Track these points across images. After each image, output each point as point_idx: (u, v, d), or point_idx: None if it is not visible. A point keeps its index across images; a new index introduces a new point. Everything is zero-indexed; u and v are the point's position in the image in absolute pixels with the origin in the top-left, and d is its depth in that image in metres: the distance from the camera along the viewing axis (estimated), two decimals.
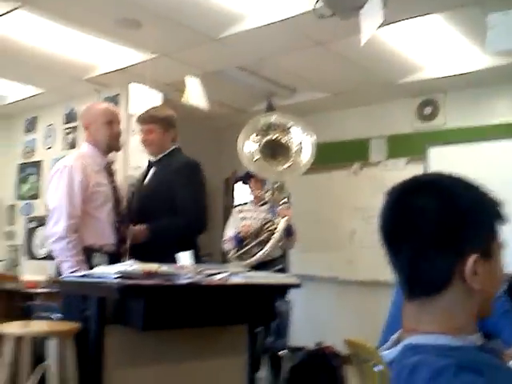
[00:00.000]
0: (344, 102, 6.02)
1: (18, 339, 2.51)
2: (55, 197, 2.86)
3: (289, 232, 4.30)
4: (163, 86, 5.50)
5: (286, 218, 4.02)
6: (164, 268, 2.21)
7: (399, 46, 4.62)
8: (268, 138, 3.91)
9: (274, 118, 4.02)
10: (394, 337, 1.07)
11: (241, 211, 4.67)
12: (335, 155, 6.17)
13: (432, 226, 0.96)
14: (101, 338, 2.11)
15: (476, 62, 4.81)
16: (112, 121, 3.01)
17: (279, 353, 4.15)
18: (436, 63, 5.01)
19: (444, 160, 5.40)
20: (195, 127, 3.42)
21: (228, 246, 4.38)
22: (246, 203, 4.78)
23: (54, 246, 2.80)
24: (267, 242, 3.92)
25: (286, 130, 3.96)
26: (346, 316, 5.84)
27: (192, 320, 2.18)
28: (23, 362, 2.57)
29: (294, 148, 3.93)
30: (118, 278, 2.06)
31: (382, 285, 4.79)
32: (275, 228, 3.96)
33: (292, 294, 4.21)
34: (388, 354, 1.04)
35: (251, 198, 4.72)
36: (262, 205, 4.59)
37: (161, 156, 3.31)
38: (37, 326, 2.88)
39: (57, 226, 2.78)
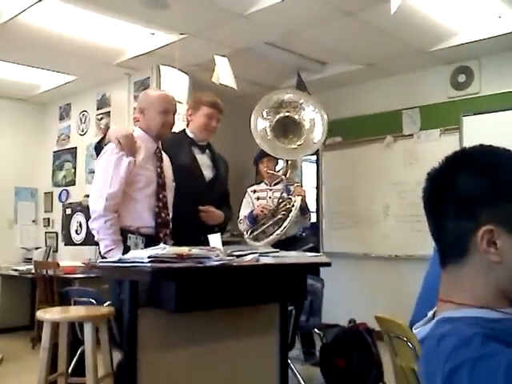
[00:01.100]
0: (375, 73, 5.91)
1: (56, 325, 2.58)
2: (100, 176, 2.91)
3: (304, 210, 4.32)
4: (192, 67, 5.50)
5: (300, 196, 4.03)
6: (195, 250, 2.21)
7: (430, 12, 4.48)
8: (280, 115, 3.90)
9: (285, 95, 3.99)
10: (430, 314, 1.06)
11: (255, 191, 4.66)
12: (367, 129, 6.08)
13: (455, 193, 0.98)
14: (134, 321, 2.13)
15: (510, 24, 4.63)
16: (168, 110, 3.02)
17: (312, 331, 4.15)
18: (469, 28, 4.86)
19: (479, 129, 5.26)
20: (225, 107, 3.40)
21: (243, 226, 4.39)
22: (259, 183, 4.76)
23: (93, 223, 2.85)
24: (284, 220, 3.91)
25: (297, 107, 3.94)
26: (380, 292, 5.79)
27: (223, 301, 2.18)
28: (61, 346, 2.65)
29: (306, 125, 3.90)
30: (150, 261, 2.07)
31: (417, 259, 4.73)
32: (292, 206, 3.96)
33: (325, 272, 4.20)
34: (421, 330, 1.03)
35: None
36: (276, 184, 4.58)
37: (206, 142, 3.43)
38: (73, 312, 2.94)
39: (97, 204, 2.83)
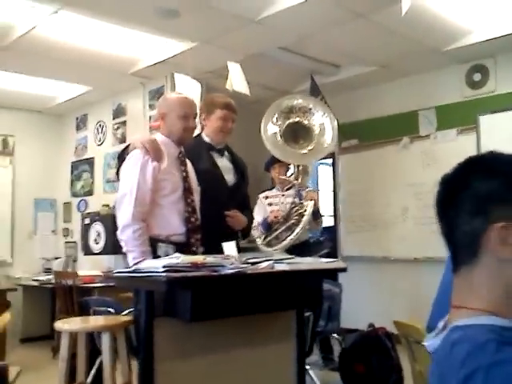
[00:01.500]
0: (389, 75, 5.87)
1: (74, 335, 2.60)
2: (126, 183, 2.81)
3: (316, 215, 4.30)
4: (206, 74, 5.53)
5: (313, 201, 4.01)
6: (210, 259, 2.21)
7: (443, 11, 4.45)
8: (290, 120, 3.89)
9: (295, 101, 3.99)
10: (440, 324, 1.04)
11: (267, 197, 4.65)
12: (383, 130, 6.04)
13: (468, 193, 0.99)
14: (150, 331, 2.14)
15: None
16: (188, 114, 2.94)
17: (331, 336, 4.13)
18: (482, 26, 4.81)
19: (496, 128, 5.21)
20: (240, 112, 3.39)
21: (257, 232, 4.32)
22: (271, 189, 4.75)
23: (121, 234, 2.76)
24: (296, 226, 3.90)
25: (307, 113, 3.92)
26: (400, 296, 5.74)
27: (239, 309, 2.18)
28: (80, 356, 2.66)
29: (316, 130, 3.89)
30: (165, 271, 2.07)
31: (437, 261, 4.66)
32: (304, 211, 3.95)
33: (343, 276, 4.17)
34: (432, 343, 1.01)
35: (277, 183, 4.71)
36: (288, 189, 4.56)
37: (224, 145, 3.37)
38: (90, 322, 2.95)
39: (124, 213, 2.74)
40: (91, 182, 6.82)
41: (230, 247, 2.38)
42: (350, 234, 6.38)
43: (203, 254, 2.70)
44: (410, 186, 5.81)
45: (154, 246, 2.75)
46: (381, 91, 6.15)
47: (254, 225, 4.43)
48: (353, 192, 6.36)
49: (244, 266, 2.22)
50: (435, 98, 5.70)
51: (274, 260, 2.31)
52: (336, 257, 6.14)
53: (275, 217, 4.22)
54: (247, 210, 3.42)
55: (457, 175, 1.04)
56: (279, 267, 2.27)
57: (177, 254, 2.42)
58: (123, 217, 2.76)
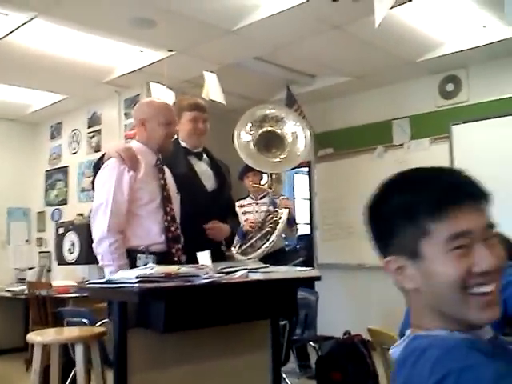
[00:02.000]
0: (364, 85, 5.94)
1: (47, 347, 2.56)
2: (101, 193, 2.70)
3: (291, 223, 4.33)
4: (182, 83, 5.53)
5: (287, 209, 4.03)
6: (184, 269, 2.20)
7: (416, 24, 4.52)
8: (263, 129, 3.91)
9: (268, 110, 4.02)
10: (407, 332, 1.05)
11: (241, 206, 4.65)
12: (358, 139, 6.10)
13: (368, 225, 1.04)
14: (124, 342, 2.12)
15: (495, 33, 4.68)
16: (170, 121, 2.86)
17: (308, 344, 4.14)
18: (455, 38, 4.90)
19: (469, 137, 5.30)
20: (216, 121, 3.38)
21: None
22: (244, 198, 4.77)
23: (96, 248, 2.66)
24: (271, 234, 3.91)
25: (279, 121, 3.95)
26: (375, 303, 5.78)
27: (213, 319, 2.17)
28: (53, 368, 2.63)
29: (289, 139, 3.92)
30: (138, 281, 2.05)
31: None
32: (279, 219, 3.96)
33: (319, 284, 4.19)
34: (395, 351, 1.02)
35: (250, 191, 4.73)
36: (262, 198, 4.59)
37: (201, 148, 3.23)
38: (63, 333, 2.92)
39: (100, 225, 2.64)
40: (65, 191, 6.75)
41: (204, 257, 2.38)
42: (325, 241, 6.41)
43: (186, 262, 2.64)
44: None
45: (133, 258, 2.66)
46: (356, 101, 6.21)
47: None
48: (328, 200, 6.40)
49: (218, 275, 2.22)
50: (409, 107, 5.77)
51: (249, 269, 2.31)
52: (312, 264, 6.17)
53: (250, 226, 4.22)
54: (232, 216, 3.32)
55: (369, 205, 1.06)
56: (254, 276, 2.28)
57: (150, 265, 2.41)
58: (98, 229, 2.66)
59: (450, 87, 5.53)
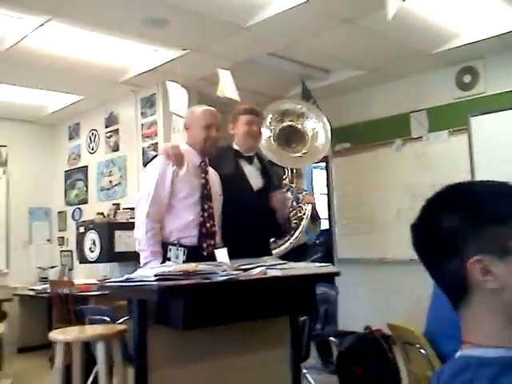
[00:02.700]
0: (380, 78, 5.90)
1: (69, 344, 2.60)
2: (145, 185, 2.94)
3: (314, 218, 4.30)
4: (196, 81, 5.54)
5: (311, 204, 4.01)
6: (202, 266, 2.22)
7: (431, 14, 4.48)
8: (283, 124, 3.89)
9: (288, 104, 4.00)
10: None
11: None
12: (376, 133, 6.07)
13: (436, 234, 0.99)
14: (144, 339, 2.14)
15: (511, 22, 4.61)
16: (210, 124, 3.03)
17: (328, 339, 4.14)
18: (471, 28, 4.84)
19: (487, 129, 5.25)
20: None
21: None
22: None
23: (136, 232, 2.87)
24: (296, 229, 3.90)
25: (300, 117, 3.93)
26: (396, 297, 5.74)
27: (232, 316, 2.18)
28: (75, 366, 2.67)
29: (309, 134, 3.90)
30: (156, 279, 2.08)
31: None
32: (303, 214, 3.94)
33: (340, 279, 4.18)
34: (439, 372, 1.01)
35: None
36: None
37: (254, 153, 3.36)
38: (85, 331, 2.96)
39: (140, 212, 2.86)
40: (85, 191, 6.82)
41: (222, 254, 2.39)
42: (345, 236, 6.40)
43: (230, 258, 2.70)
44: (403, 188, 5.84)
45: (165, 249, 2.83)
46: (371, 94, 6.17)
47: None
48: (347, 194, 6.38)
49: (236, 272, 2.23)
50: (426, 100, 5.72)
51: (267, 266, 2.32)
52: (332, 259, 6.16)
53: None
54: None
55: (422, 216, 1.03)
56: (272, 273, 2.28)
57: (169, 263, 2.44)
58: (139, 216, 2.88)
59: (467, 78, 5.48)
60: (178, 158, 2.94)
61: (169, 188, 2.89)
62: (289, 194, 4.45)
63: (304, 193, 4.32)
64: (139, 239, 2.83)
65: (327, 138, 3.93)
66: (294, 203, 4.14)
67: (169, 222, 2.89)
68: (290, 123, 3.93)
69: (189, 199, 2.93)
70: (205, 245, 2.89)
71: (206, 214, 2.94)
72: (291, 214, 4.10)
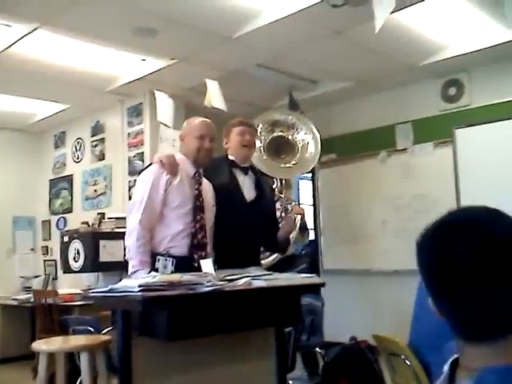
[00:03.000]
0: (366, 90, 5.94)
1: (52, 355, 2.57)
2: (138, 192, 2.95)
3: (303, 229, 4.30)
4: (184, 91, 5.55)
5: (299, 215, 4.01)
6: (186, 277, 2.21)
7: (418, 28, 4.52)
8: (274, 134, 3.89)
9: (279, 115, 4.00)
10: (446, 368, 1.03)
11: None
12: (361, 145, 6.10)
13: (485, 266, 0.92)
14: (128, 350, 2.13)
15: (497, 36, 4.68)
16: (203, 135, 3.06)
17: (314, 350, 4.13)
18: (457, 41, 4.90)
19: (472, 141, 5.29)
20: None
21: None
22: None
23: (126, 240, 2.86)
24: None
25: (290, 128, 3.94)
26: (384, 308, 5.75)
27: (217, 327, 2.17)
28: (59, 376, 2.64)
29: (299, 144, 3.91)
30: (140, 290, 2.06)
31: (417, 273, 4.66)
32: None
33: (325, 289, 4.18)
34: None
35: None
36: None
37: (249, 164, 3.40)
38: (68, 342, 2.93)
39: (132, 219, 2.85)
40: (70, 200, 6.77)
41: (207, 264, 2.38)
42: (330, 247, 6.40)
43: (221, 268, 2.70)
44: (388, 199, 5.87)
45: (153, 258, 2.83)
46: (358, 106, 6.21)
47: None
48: (333, 205, 6.39)
49: (221, 283, 2.22)
50: (411, 112, 5.77)
51: (252, 277, 2.32)
52: (318, 270, 6.16)
53: None
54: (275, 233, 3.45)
55: (450, 246, 0.95)
56: (257, 284, 2.28)
57: (153, 273, 2.42)
58: (130, 224, 2.87)
59: (452, 91, 5.53)
60: (172, 167, 2.95)
61: (162, 196, 2.89)
62: (277, 205, 4.45)
63: (293, 203, 4.31)
64: (128, 247, 2.84)
65: (317, 150, 3.94)
66: (283, 214, 4.13)
67: (159, 232, 2.89)
68: (280, 133, 3.93)
69: (180, 209, 2.94)
70: (196, 256, 2.89)
71: (197, 225, 2.95)
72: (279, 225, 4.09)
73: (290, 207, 4.19)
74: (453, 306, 0.97)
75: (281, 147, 3.97)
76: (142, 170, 3.12)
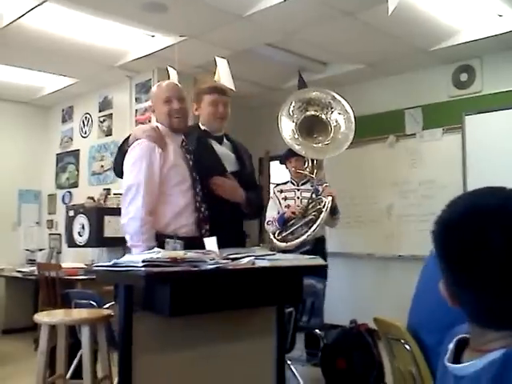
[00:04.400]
0: (377, 73, 5.89)
1: (54, 327, 2.59)
2: (132, 173, 2.69)
3: (333, 211, 4.25)
4: (193, 69, 5.52)
5: (330, 197, 3.94)
6: (190, 254, 2.21)
7: (431, 11, 4.47)
8: (307, 114, 3.79)
9: (312, 93, 3.89)
10: (451, 346, 1.02)
11: (281, 191, 4.62)
12: (370, 128, 6.05)
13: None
14: (129, 325, 2.13)
15: (510, 22, 4.61)
16: (170, 97, 2.81)
17: (314, 331, 4.15)
18: (470, 27, 4.84)
19: (481, 128, 5.25)
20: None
21: (271, 227, 4.23)
22: (285, 183, 4.73)
23: (127, 227, 2.64)
24: (314, 221, 3.81)
25: (325, 106, 3.83)
26: (385, 292, 5.77)
27: (219, 304, 2.17)
28: (60, 349, 2.66)
29: (333, 124, 3.80)
30: (144, 265, 2.06)
31: (421, 259, 4.66)
32: (323, 207, 3.86)
33: (330, 272, 4.18)
34: (464, 367, 0.99)
35: (290, 177, 4.69)
36: (303, 184, 4.55)
37: (222, 132, 3.15)
38: (70, 315, 2.95)
39: (131, 206, 2.64)
40: (76, 175, 6.79)
41: (210, 242, 2.38)
42: (335, 230, 6.39)
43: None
44: (395, 184, 5.85)
45: (161, 242, 2.62)
46: (368, 89, 6.16)
47: (268, 220, 4.37)
48: (339, 189, 6.32)
49: (224, 261, 2.22)
50: (422, 97, 5.73)
51: (256, 256, 2.32)
52: (324, 253, 6.16)
53: (292, 212, 4.14)
54: (254, 189, 3.19)
55: (480, 235, 0.93)
56: (260, 263, 2.28)
57: (157, 249, 2.42)
58: (130, 209, 2.64)
59: (463, 77, 5.48)
60: (160, 140, 2.73)
61: (158, 174, 2.69)
62: (308, 186, 4.40)
63: (324, 185, 4.21)
64: (131, 234, 2.63)
65: (352, 128, 3.80)
66: (314, 195, 4.05)
67: (162, 211, 2.70)
68: (313, 113, 3.83)
69: (181, 185, 2.77)
70: (203, 231, 2.75)
71: (198, 199, 2.80)
72: (310, 206, 4.02)
73: (320, 188, 4.11)
74: (477, 294, 0.95)
75: (313, 126, 3.86)
76: (123, 145, 2.87)
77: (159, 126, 2.85)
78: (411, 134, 5.80)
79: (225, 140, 3.15)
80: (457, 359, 1.02)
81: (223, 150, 3.09)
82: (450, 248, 0.97)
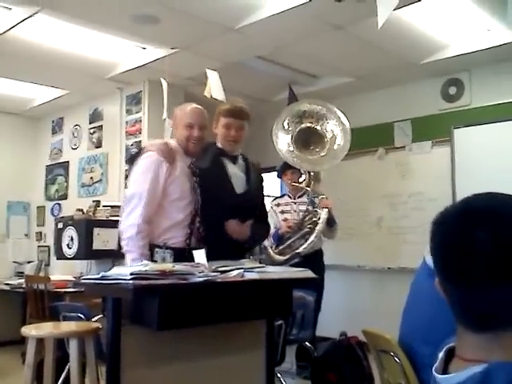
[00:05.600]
0: (366, 86, 5.93)
1: (41, 341, 2.57)
2: (137, 182, 2.83)
3: (331, 223, 4.24)
4: (184, 81, 5.53)
5: (326, 208, 3.92)
6: (178, 267, 2.20)
7: (421, 26, 4.52)
8: (302, 126, 3.79)
9: (307, 105, 3.89)
10: (441, 355, 1.02)
11: (278, 205, 4.61)
12: (359, 141, 6.03)
13: (488, 257, 0.90)
14: (117, 338, 2.11)
15: (499, 36, 4.67)
16: (192, 124, 2.92)
17: (304, 344, 4.13)
18: (459, 41, 4.89)
19: (470, 141, 5.29)
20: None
21: (267, 242, 4.20)
22: (282, 196, 4.72)
23: (124, 233, 2.75)
24: (310, 234, 3.81)
25: (319, 118, 3.83)
26: (376, 304, 5.77)
27: (208, 317, 2.16)
28: (47, 362, 2.63)
29: (329, 136, 3.80)
30: (132, 278, 2.05)
31: (410, 272, 4.66)
32: (318, 219, 3.86)
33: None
34: (449, 378, 0.98)
35: (286, 190, 4.69)
36: (300, 196, 4.55)
37: (238, 153, 3.20)
38: (58, 328, 2.92)
39: (131, 213, 2.75)
40: (66, 186, 6.76)
41: (199, 255, 2.37)
42: (325, 242, 6.39)
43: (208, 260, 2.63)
44: (385, 197, 5.86)
45: (151, 251, 2.75)
46: (357, 102, 6.19)
47: None
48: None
49: (213, 274, 2.22)
50: (411, 110, 5.76)
51: (245, 269, 2.31)
52: (319, 265, 6.15)
53: (288, 227, 4.11)
54: (262, 223, 3.24)
55: (468, 237, 0.92)
56: (249, 276, 2.27)
57: (145, 262, 2.41)
58: (130, 216, 2.76)
59: (452, 90, 5.52)
60: (170, 156, 2.85)
61: (162, 188, 2.80)
62: (304, 198, 4.39)
63: (320, 197, 4.21)
64: (127, 239, 2.73)
65: (347, 139, 3.80)
66: (310, 207, 4.03)
67: (157, 222, 2.81)
68: (308, 125, 3.83)
69: (180, 202, 2.86)
70: (194, 245, 2.81)
71: (196, 218, 2.89)
72: (306, 219, 4.00)
73: (317, 200, 4.10)
74: (460, 293, 0.95)
75: (309, 138, 3.86)
76: (135, 157, 2.98)
77: (173, 143, 2.99)
78: (401, 147, 5.83)
79: (240, 160, 3.21)
80: (446, 369, 1.02)
81: (235, 171, 3.15)
82: (436, 243, 0.98)
